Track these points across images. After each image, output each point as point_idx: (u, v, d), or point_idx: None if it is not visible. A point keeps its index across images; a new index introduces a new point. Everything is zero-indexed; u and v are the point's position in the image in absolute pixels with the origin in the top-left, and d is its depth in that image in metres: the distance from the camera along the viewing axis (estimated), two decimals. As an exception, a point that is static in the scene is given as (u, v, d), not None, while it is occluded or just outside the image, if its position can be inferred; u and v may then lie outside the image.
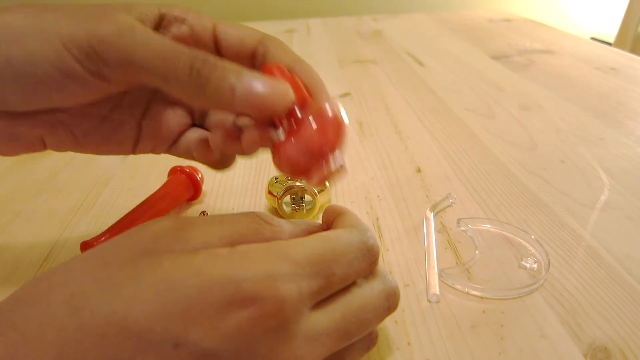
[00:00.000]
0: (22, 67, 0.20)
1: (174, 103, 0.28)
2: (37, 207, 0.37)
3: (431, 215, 0.35)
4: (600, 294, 0.27)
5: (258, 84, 0.20)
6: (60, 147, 0.26)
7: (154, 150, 0.28)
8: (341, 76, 0.71)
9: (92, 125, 0.26)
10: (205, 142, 0.27)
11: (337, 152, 0.22)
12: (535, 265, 0.30)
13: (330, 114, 0.22)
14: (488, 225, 0.34)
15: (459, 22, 1.09)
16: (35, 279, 0.17)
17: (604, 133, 0.49)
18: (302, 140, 0.22)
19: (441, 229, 0.34)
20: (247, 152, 0.25)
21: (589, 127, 0.50)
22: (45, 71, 0.20)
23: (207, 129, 0.28)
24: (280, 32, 1.02)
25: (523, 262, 0.30)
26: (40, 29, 0.20)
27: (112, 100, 0.26)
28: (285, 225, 0.21)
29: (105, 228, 0.31)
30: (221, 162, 0.28)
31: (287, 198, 0.34)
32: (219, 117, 0.27)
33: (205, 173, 0.38)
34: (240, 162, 0.43)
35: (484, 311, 0.26)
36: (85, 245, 0.30)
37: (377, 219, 0.35)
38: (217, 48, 0.25)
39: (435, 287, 0.28)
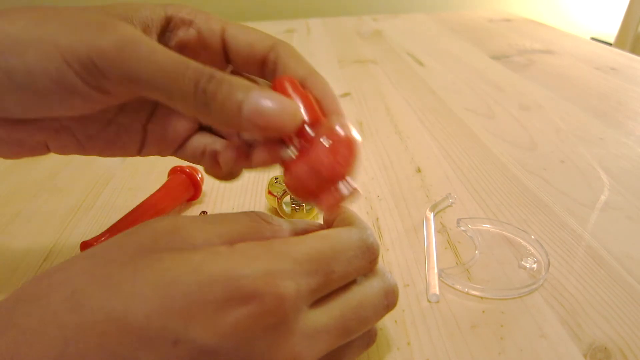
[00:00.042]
0: (22, 79, 0.20)
1: None
2: (37, 207, 0.37)
3: (431, 215, 0.35)
4: (600, 294, 0.27)
5: (266, 103, 0.19)
6: (64, 151, 0.25)
7: (161, 153, 0.28)
8: (341, 76, 0.71)
9: (97, 130, 0.25)
10: (213, 157, 0.26)
11: (349, 178, 0.21)
12: (535, 265, 0.30)
13: (343, 136, 0.21)
14: (488, 225, 0.34)
15: (459, 22, 1.09)
16: (35, 277, 0.18)
17: (604, 133, 0.49)
18: (312, 163, 0.20)
19: (441, 229, 0.34)
20: (257, 168, 0.24)
21: (589, 127, 0.50)
22: (44, 84, 0.20)
23: (214, 133, 0.28)
24: (280, 32, 1.02)
25: (523, 262, 0.30)
26: (39, 40, 0.19)
27: (116, 105, 0.26)
28: (284, 224, 0.21)
29: (105, 228, 0.31)
30: (229, 175, 0.27)
31: (287, 198, 0.34)
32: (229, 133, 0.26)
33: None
34: (240, 162, 0.43)
35: (483, 311, 0.26)
36: (85, 245, 0.30)
37: (377, 219, 0.35)
38: (226, 52, 0.24)
39: (435, 287, 0.28)
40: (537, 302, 0.27)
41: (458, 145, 0.47)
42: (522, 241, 0.32)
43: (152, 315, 0.16)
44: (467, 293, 0.28)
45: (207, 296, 0.16)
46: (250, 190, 0.39)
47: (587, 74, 0.68)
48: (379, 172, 0.42)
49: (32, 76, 0.19)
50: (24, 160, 0.45)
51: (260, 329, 0.16)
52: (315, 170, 0.20)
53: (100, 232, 0.31)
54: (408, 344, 0.24)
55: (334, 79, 0.69)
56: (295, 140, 0.21)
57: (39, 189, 0.40)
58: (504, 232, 0.33)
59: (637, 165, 0.42)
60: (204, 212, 0.36)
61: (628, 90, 0.61)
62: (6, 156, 0.24)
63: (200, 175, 0.37)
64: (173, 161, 0.34)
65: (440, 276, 0.29)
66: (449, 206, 0.36)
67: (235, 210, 0.37)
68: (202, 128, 0.28)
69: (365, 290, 0.20)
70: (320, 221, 0.24)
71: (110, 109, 0.25)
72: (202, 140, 0.27)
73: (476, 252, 0.31)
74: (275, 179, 0.35)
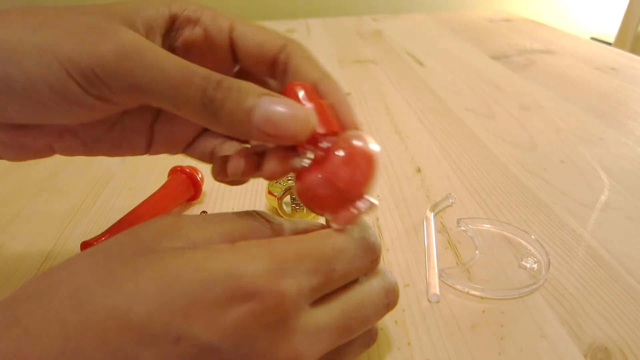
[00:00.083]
0: (21, 88, 0.19)
1: None
2: (37, 208, 0.37)
3: (431, 215, 0.35)
4: (600, 294, 0.27)
5: (277, 109, 0.18)
6: (69, 153, 0.25)
7: (169, 152, 0.27)
8: (341, 76, 0.71)
9: (102, 131, 0.25)
10: (222, 165, 0.25)
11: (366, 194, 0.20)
12: (535, 265, 0.30)
13: (363, 148, 0.19)
14: (488, 225, 0.34)
15: (459, 22, 1.09)
16: (37, 276, 0.18)
17: (604, 133, 0.49)
18: (329, 175, 0.19)
19: (441, 229, 0.34)
20: (267, 178, 0.23)
21: (589, 127, 0.50)
22: (45, 94, 0.19)
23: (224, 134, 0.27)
24: (280, 32, 1.02)
25: (523, 262, 0.30)
26: (39, 49, 0.18)
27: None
28: (285, 224, 0.21)
29: (105, 228, 0.31)
30: (236, 181, 0.26)
31: (287, 198, 0.34)
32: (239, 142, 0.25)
33: (205, 173, 0.38)
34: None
35: (484, 311, 0.26)
36: (85, 246, 0.30)
37: (377, 219, 0.35)
38: (234, 52, 0.23)
39: (435, 287, 0.28)
40: (538, 302, 0.27)
41: (458, 145, 0.47)
42: (522, 241, 0.32)
43: (154, 313, 0.16)
44: (468, 293, 0.28)
45: (208, 294, 0.16)
46: (251, 190, 0.39)
47: (587, 74, 0.68)
48: (379, 172, 0.42)
49: (32, 85, 0.19)
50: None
51: (262, 327, 0.16)
52: (332, 184, 0.19)
53: (100, 232, 0.31)
54: (408, 343, 0.24)
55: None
56: (309, 150, 0.20)
57: (39, 189, 0.40)
58: (504, 232, 0.33)
59: (637, 165, 0.42)
60: (204, 212, 0.36)
61: (628, 90, 0.61)
62: (11, 159, 0.24)
63: (200, 175, 0.37)
64: (173, 161, 0.34)
65: (440, 276, 0.29)
66: (449, 206, 0.36)
67: (235, 210, 0.37)
68: None
69: (366, 290, 0.20)
70: (321, 221, 0.24)
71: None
72: (212, 140, 0.26)
73: (476, 252, 0.31)
74: (276, 179, 0.35)
